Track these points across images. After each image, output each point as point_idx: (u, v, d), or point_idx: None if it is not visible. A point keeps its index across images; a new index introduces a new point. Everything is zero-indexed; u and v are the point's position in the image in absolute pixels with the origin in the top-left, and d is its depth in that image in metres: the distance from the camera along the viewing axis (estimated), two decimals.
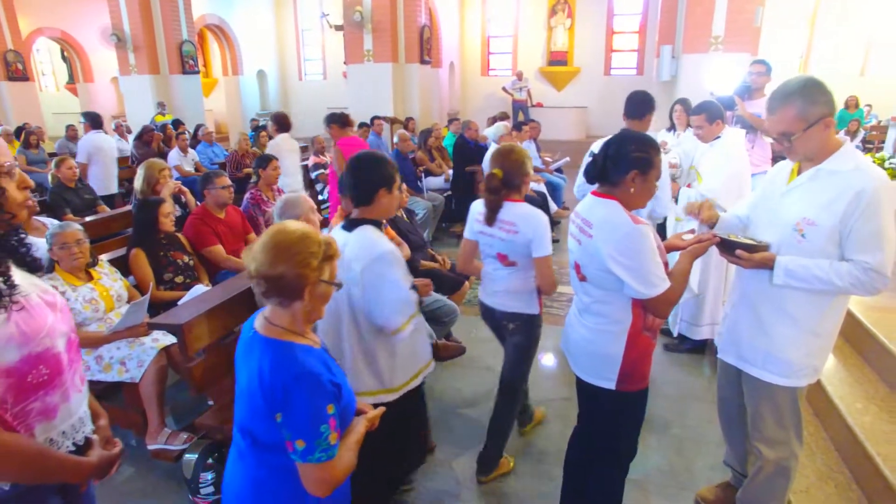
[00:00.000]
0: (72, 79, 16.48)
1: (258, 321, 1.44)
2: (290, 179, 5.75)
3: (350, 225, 2.08)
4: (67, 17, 14.51)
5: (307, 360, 1.34)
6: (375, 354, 2.08)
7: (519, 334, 2.58)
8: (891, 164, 6.21)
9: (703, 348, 3.84)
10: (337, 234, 2.09)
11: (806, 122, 1.77)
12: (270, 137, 6.09)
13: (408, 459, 2.45)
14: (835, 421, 2.67)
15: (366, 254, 1.97)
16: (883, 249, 1.72)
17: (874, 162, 6.24)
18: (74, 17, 14.47)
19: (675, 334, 3.86)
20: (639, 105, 3.29)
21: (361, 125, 8.65)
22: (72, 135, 9.88)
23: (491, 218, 2.43)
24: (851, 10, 12.95)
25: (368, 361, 2.08)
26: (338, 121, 5.30)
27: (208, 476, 2.47)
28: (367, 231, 2.04)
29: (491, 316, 2.65)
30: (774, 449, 2.07)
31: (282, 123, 5.94)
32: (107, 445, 1.41)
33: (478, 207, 2.52)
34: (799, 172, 1.93)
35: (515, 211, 2.40)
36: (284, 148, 5.81)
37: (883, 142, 9.01)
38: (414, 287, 2.13)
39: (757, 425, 2.09)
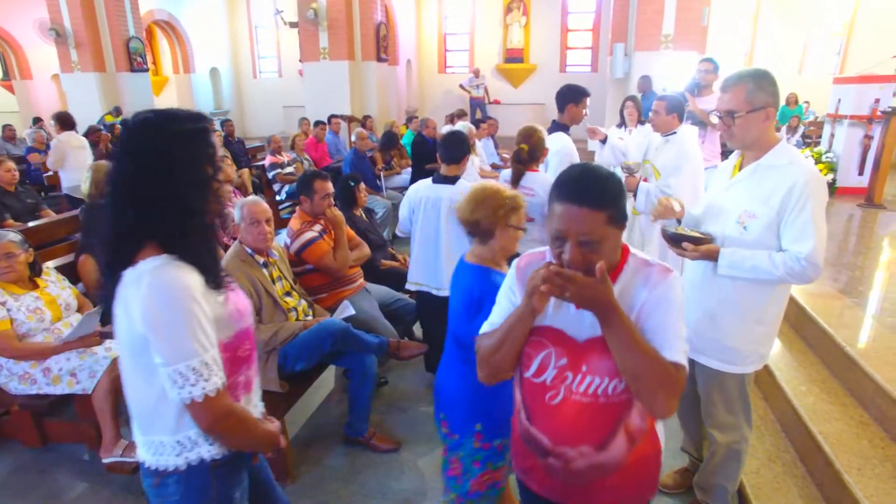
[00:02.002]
0: (7, 75, 15.59)
1: (467, 255, 1.89)
2: (75, 175, 5.94)
3: (441, 179, 3.05)
4: (1, 10, 13.73)
5: (498, 280, 1.67)
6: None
7: None
8: (827, 157, 6.56)
9: None
10: (427, 184, 3.10)
11: (751, 105, 1.87)
12: (49, 137, 6.39)
13: None
14: (781, 403, 2.81)
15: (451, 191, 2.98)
16: (814, 239, 1.81)
17: (812, 156, 6.60)
18: (7, 8, 13.65)
19: None
20: (558, 99, 3.73)
21: (318, 123, 8.52)
22: (9, 135, 9.39)
23: (515, 183, 3.12)
24: (789, 11, 13.58)
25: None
26: (61, 120, 6.14)
27: None
28: (462, 182, 2.99)
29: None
30: (726, 434, 2.16)
31: (65, 121, 6.27)
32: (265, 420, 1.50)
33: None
34: (741, 168, 2.03)
35: (534, 178, 3.13)
36: (70, 145, 6.30)
37: (820, 136, 9.49)
38: None
39: (709, 412, 2.19)
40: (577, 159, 3.52)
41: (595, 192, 1.20)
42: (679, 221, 2.20)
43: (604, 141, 4.25)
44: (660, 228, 2.12)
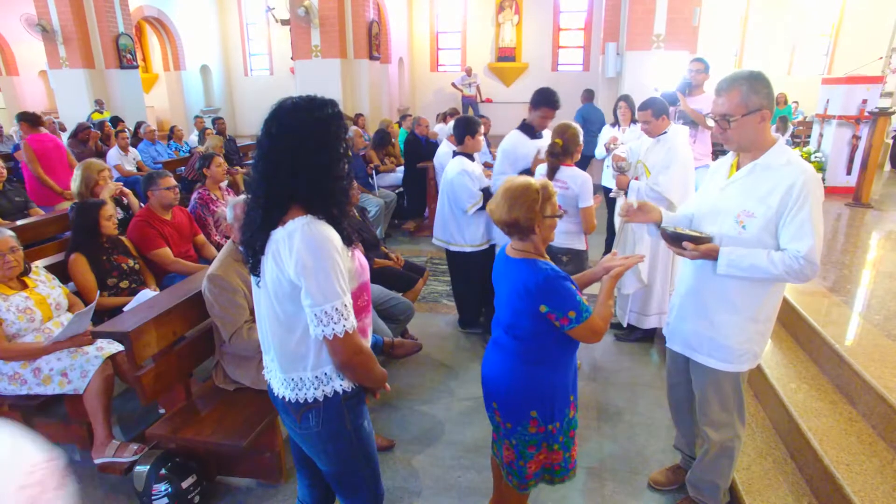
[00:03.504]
0: None
1: (508, 249, 1.95)
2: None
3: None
4: None
5: (547, 266, 1.82)
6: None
7: (571, 264, 3.41)
8: (816, 157, 6.63)
9: (651, 337, 4.01)
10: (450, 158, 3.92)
11: (746, 108, 1.88)
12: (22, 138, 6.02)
13: None
14: (772, 400, 2.84)
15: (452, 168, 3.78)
16: (812, 238, 1.84)
17: (802, 156, 6.65)
18: None
19: (625, 325, 4.00)
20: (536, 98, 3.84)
21: None
22: None
23: (551, 175, 3.35)
24: (778, 12, 13.70)
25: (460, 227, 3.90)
26: (28, 119, 5.78)
27: (161, 487, 2.39)
28: (461, 159, 3.79)
29: (549, 251, 3.35)
30: (719, 431, 2.19)
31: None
32: None
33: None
34: (738, 168, 2.05)
35: (567, 173, 3.34)
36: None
37: (809, 136, 9.58)
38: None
39: (704, 409, 2.21)
40: (519, 164, 3.75)
41: None
42: (658, 224, 2.20)
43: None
44: (660, 228, 2.13)
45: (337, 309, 1.41)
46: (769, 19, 13.82)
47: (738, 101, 1.89)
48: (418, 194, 6.94)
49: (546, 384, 1.89)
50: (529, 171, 3.63)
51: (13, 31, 13.61)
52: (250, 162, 7.98)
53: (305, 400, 1.54)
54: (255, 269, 1.53)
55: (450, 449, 2.91)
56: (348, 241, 1.51)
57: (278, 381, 1.59)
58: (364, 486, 1.72)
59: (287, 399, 1.57)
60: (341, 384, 1.56)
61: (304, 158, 1.43)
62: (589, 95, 9.13)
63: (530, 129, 3.82)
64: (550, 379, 1.89)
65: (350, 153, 1.54)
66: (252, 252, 1.51)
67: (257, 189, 1.49)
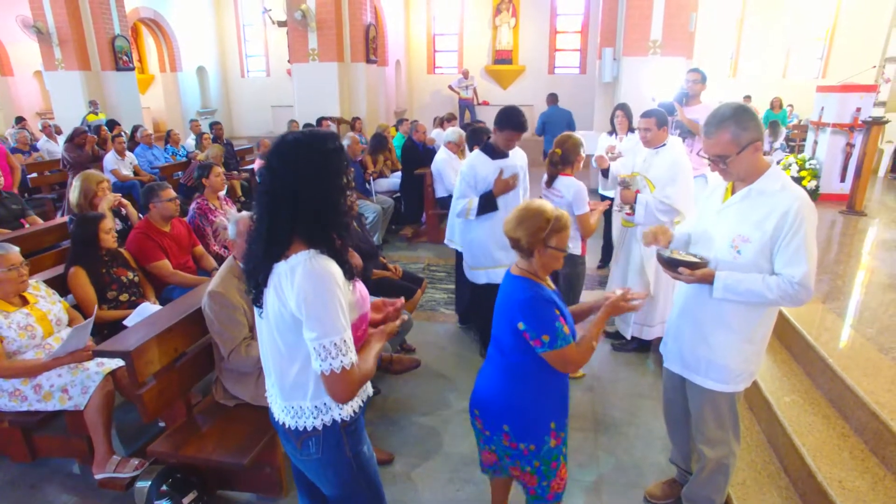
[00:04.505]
0: None
1: (513, 266, 1.99)
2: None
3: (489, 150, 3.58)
4: None
5: (536, 290, 1.86)
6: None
7: (567, 267, 3.51)
8: (811, 164, 6.68)
9: (648, 347, 4.04)
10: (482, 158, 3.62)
11: (739, 146, 1.91)
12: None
13: None
14: (766, 414, 2.88)
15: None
16: (807, 263, 1.87)
17: (797, 163, 6.71)
18: None
19: (629, 337, 4.01)
20: (500, 119, 3.57)
21: (307, 126, 8.49)
22: None
23: (550, 183, 3.56)
24: (773, 17, 13.78)
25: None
26: None
27: (163, 503, 2.41)
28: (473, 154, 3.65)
29: None
30: (715, 449, 2.22)
31: None
32: None
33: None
34: (733, 192, 2.08)
35: (563, 182, 3.48)
36: None
37: (804, 140, 9.65)
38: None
39: (699, 427, 2.24)
40: (483, 183, 3.57)
41: None
42: (666, 245, 2.24)
43: (606, 171, 4.13)
44: (657, 253, 2.16)
45: (336, 344, 1.43)
46: (764, 23, 13.91)
47: (729, 140, 1.92)
48: (416, 200, 6.96)
49: (519, 401, 1.93)
50: (492, 194, 3.55)
51: (7, 31, 13.54)
52: (248, 167, 8.01)
53: (305, 428, 1.58)
54: (258, 301, 1.55)
55: (448, 461, 2.94)
56: (350, 275, 1.54)
57: (279, 407, 1.63)
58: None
59: (287, 426, 1.61)
60: (340, 413, 1.59)
61: (304, 193, 1.46)
62: (553, 98, 9.48)
63: (492, 150, 3.63)
64: (524, 398, 1.92)
65: (352, 186, 1.56)
66: (255, 283, 1.54)
67: (260, 222, 1.52)
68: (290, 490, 2.71)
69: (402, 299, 1.88)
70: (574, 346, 1.86)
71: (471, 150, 3.87)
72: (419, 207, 7.00)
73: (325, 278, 1.42)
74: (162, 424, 3.00)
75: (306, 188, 1.46)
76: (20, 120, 10.81)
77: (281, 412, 1.62)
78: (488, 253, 3.69)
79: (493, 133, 3.65)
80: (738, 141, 1.90)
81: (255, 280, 1.53)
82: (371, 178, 6.81)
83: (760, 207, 1.95)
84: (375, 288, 3.75)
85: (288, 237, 1.48)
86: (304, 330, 1.44)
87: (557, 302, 1.91)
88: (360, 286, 1.65)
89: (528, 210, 1.89)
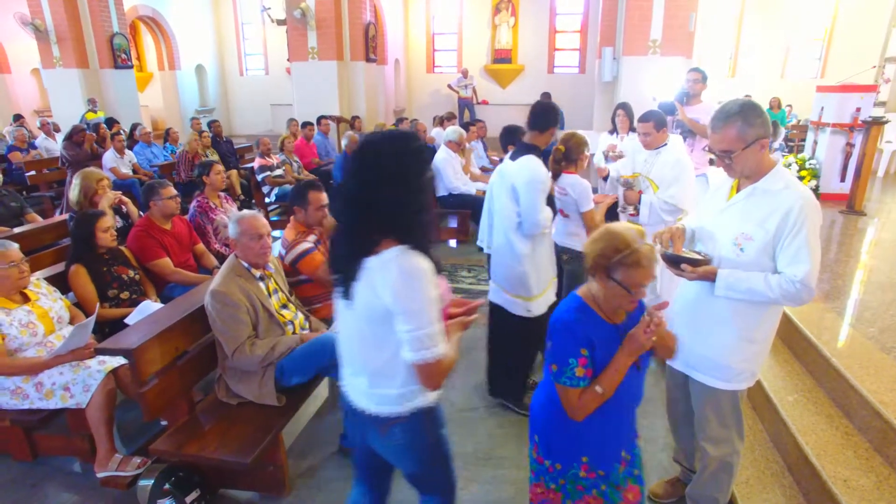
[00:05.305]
0: None
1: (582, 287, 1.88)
2: None
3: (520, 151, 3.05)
4: None
5: (576, 316, 1.73)
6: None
7: (571, 264, 3.52)
8: (810, 164, 6.69)
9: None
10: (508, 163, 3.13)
11: (744, 141, 1.91)
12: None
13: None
14: (769, 414, 2.88)
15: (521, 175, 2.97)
16: (809, 262, 1.87)
17: (796, 163, 6.71)
18: None
19: None
20: (538, 117, 3.12)
21: (306, 124, 8.47)
22: None
23: (554, 180, 3.32)
24: (771, 16, 13.81)
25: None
26: None
27: (166, 502, 2.39)
28: (526, 159, 2.98)
29: (555, 249, 3.39)
30: (718, 447, 2.22)
31: None
32: None
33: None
34: (738, 190, 2.08)
35: (567, 180, 3.34)
36: None
37: (803, 140, 9.67)
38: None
39: (702, 426, 2.24)
40: (548, 191, 3.07)
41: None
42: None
43: (605, 178, 4.13)
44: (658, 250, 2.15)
45: (429, 335, 1.49)
46: (763, 23, 13.93)
47: (735, 136, 1.91)
48: None
49: (546, 418, 1.86)
50: (552, 199, 3.20)
51: (5, 28, 13.48)
52: (248, 165, 7.99)
53: (390, 414, 1.64)
54: (347, 293, 1.59)
55: (454, 460, 2.93)
56: (438, 270, 1.59)
57: (361, 394, 1.68)
58: (443, 482, 1.87)
59: (371, 412, 1.66)
60: (424, 400, 1.66)
61: (391, 191, 1.50)
62: (546, 97, 9.62)
63: (537, 150, 3.13)
64: (556, 417, 1.81)
65: (432, 182, 1.64)
66: (344, 277, 1.59)
67: (347, 220, 1.59)
68: (292, 488, 2.70)
69: (481, 301, 1.86)
70: (579, 392, 1.70)
71: (504, 150, 3.65)
72: None
73: (418, 273, 1.48)
74: (164, 423, 2.99)
75: (393, 186, 1.50)
76: (18, 118, 10.76)
77: (363, 399, 1.67)
78: (549, 269, 3.26)
79: (552, 132, 3.13)
80: (744, 137, 1.90)
81: (345, 273, 1.58)
82: None
83: (764, 206, 1.94)
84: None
85: (376, 234, 1.53)
86: (397, 322, 1.50)
87: (597, 339, 1.71)
88: (443, 281, 1.69)
89: (608, 230, 1.72)
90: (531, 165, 2.97)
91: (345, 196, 1.59)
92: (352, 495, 2.02)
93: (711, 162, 5.04)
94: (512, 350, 3.32)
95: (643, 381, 1.88)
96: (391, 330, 1.52)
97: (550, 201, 3.13)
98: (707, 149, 4.85)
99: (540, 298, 3.19)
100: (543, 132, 3.09)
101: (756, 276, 1.93)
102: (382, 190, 1.50)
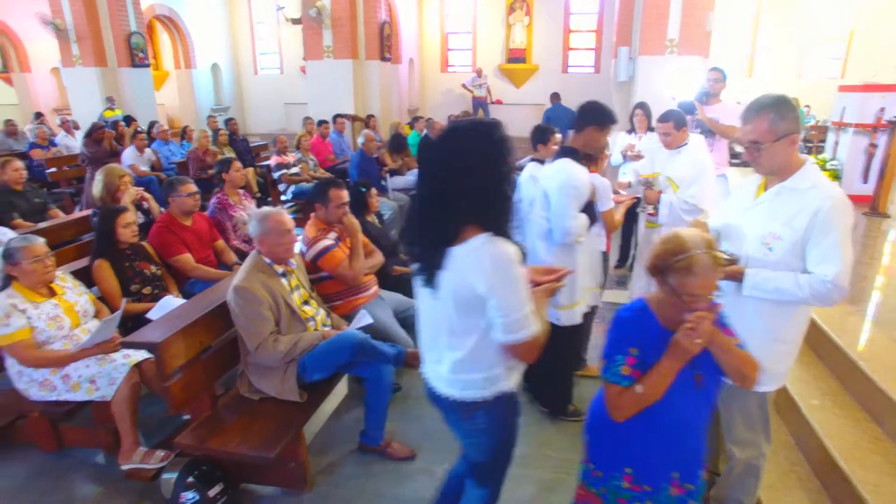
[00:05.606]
0: (5, 68, 15.47)
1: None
2: None
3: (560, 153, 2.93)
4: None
5: (633, 315, 1.69)
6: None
7: None
8: (832, 165, 6.60)
9: None
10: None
11: (775, 134, 1.88)
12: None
13: None
14: (794, 417, 2.84)
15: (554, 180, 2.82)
16: (840, 262, 1.85)
17: (817, 163, 6.62)
18: (8, 1, 13.57)
19: None
20: (578, 116, 2.98)
21: (321, 123, 8.50)
22: (11, 130, 9.33)
23: None
24: (789, 16, 13.64)
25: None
26: None
27: (189, 495, 2.42)
28: (562, 163, 2.84)
29: None
30: (745, 449, 2.19)
31: None
32: None
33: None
34: (765, 188, 2.05)
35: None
36: None
37: (822, 141, 9.53)
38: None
39: (729, 428, 2.21)
40: (586, 196, 2.88)
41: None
42: None
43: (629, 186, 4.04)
44: None
45: (525, 316, 1.54)
46: (780, 23, 13.76)
47: (767, 128, 1.89)
48: None
49: (594, 421, 1.82)
50: (592, 206, 3.02)
51: (26, 28, 13.69)
52: (264, 164, 8.04)
53: (475, 399, 1.68)
54: (431, 281, 1.62)
55: None
56: (523, 254, 1.65)
57: (444, 380, 1.72)
58: (500, 475, 1.92)
59: (454, 398, 1.70)
60: (507, 384, 1.70)
61: (475, 180, 1.54)
62: (556, 97, 9.75)
63: (576, 154, 2.95)
64: (601, 420, 1.75)
65: (514, 171, 1.64)
66: (428, 265, 1.62)
67: (430, 207, 1.62)
68: (314, 484, 2.71)
69: (568, 268, 1.86)
70: (620, 390, 1.64)
71: (534, 149, 3.46)
72: None
73: (509, 259, 1.52)
74: (185, 418, 3.01)
75: (478, 174, 1.54)
76: (39, 115, 10.91)
77: (446, 385, 1.71)
78: (585, 279, 3.09)
79: (590, 132, 2.90)
80: (775, 129, 1.88)
81: (430, 262, 1.61)
82: (386, 175, 6.81)
83: (792, 205, 1.92)
84: (396, 284, 3.74)
85: (460, 222, 1.55)
86: (491, 308, 1.54)
87: (650, 342, 1.64)
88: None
89: (674, 233, 1.65)
90: (565, 169, 2.81)
91: (430, 184, 1.62)
92: (455, 466, 2.13)
93: (736, 158, 4.98)
94: (545, 358, 3.21)
95: (708, 404, 1.73)
96: (478, 316, 1.57)
97: (589, 208, 2.93)
98: (735, 142, 4.81)
99: (570, 309, 3.04)
100: (579, 132, 2.91)
101: (784, 275, 1.91)
102: (471, 177, 1.53)
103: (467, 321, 1.60)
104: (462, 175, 1.54)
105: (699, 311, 1.55)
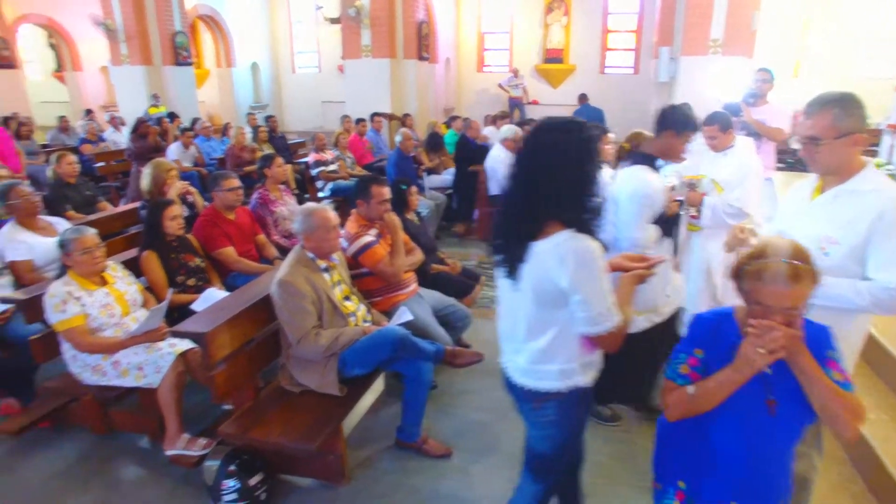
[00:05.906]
0: (59, 67, 16.12)
1: None
2: None
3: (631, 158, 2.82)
4: (54, 3, 14.19)
5: (711, 318, 1.65)
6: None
7: None
8: (888, 170, 6.33)
9: None
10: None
11: (837, 131, 1.81)
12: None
13: None
14: None
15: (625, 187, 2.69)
16: None
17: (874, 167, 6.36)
18: (62, 3, 14.15)
19: None
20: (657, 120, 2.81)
21: (359, 121, 8.58)
22: (64, 126, 9.69)
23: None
24: (841, 13, 13.13)
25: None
26: None
27: (230, 483, 2.46)
28: (636, 169, 2.70)
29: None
30: (797, 462, 2.11)
31: None
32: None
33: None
34: (822, 191, 1.97)
35: None
36: None
37: (874, 144, 9.15)
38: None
39: None
40: (659, 206, 2.72)
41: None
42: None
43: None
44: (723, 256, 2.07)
45: (609, 309, 1.57)
46: (829, 21, 13.27)
47: (829, 124, 1.82)
48: (468, 197, 6.94)
49: (661, 427, 1.77)
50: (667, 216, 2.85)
51: (78, 28, 14.25)
52: (302, 161, 8.16)
53: (548, 390, 1.71)
54: (512, 273, 1.65)
55: (508, 461, 2.89)
56: (605, 248, 1.68)
57: (520, 370, 1.75)
58: (558, 472, 1.92)
59: (528, 388, 1.74)
60: (583, 379, 1.72)
61: (563, 176, 1.57)
62: (584, 97, 10.03)
63: (652, 160, 2.81)
64: (667, 427, 1.71)
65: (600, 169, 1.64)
66: (511, 258, 1.66)
67: (515, 202, 1.66)
68: (351, 478, 2.73)
69: (662, 257, 1.87)
70: (674, 387, 1.60)
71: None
72: (471, 204, 6.98)
73: (593, 255, 1.55)
74: (226, 408, 3.08)
75: (565, 171, 1.57)
76: (89, 112, 11.33)
77: (521, 375, 1.75)
78: (659, 290, 2.88)
79: (660, 139, 2.76)
80: (837, 126, 1.80)
81: (512, 255, 1.65)
82: (424, 173, 6.83)
83: (851, 208, 1.84)
84: (434, 283, 3.75)
85: (544, 217, 1.59)
86: (574, 302, 1.57)
87: (720, 349, 1.56)
88: None
89: (765, 238, 1.61)
90: (637, 176, 2.66)
91: (518, 179, 1.65)
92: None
93: (783, 162, 4.83)
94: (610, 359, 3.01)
95: (789, 437, 1.59)
96: (559, 310, 1.61)
97: (662, 219, 2.75)
98: (782, 144, 4.64)
99: (635, 316, 2.82)
100: (658, 136, 2.74)
101: (843, 282, 1.83)
102: (559, 174, 1.57)
103: (547, 314, 1.63)
104: (547, 172, 1.57)
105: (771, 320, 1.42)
